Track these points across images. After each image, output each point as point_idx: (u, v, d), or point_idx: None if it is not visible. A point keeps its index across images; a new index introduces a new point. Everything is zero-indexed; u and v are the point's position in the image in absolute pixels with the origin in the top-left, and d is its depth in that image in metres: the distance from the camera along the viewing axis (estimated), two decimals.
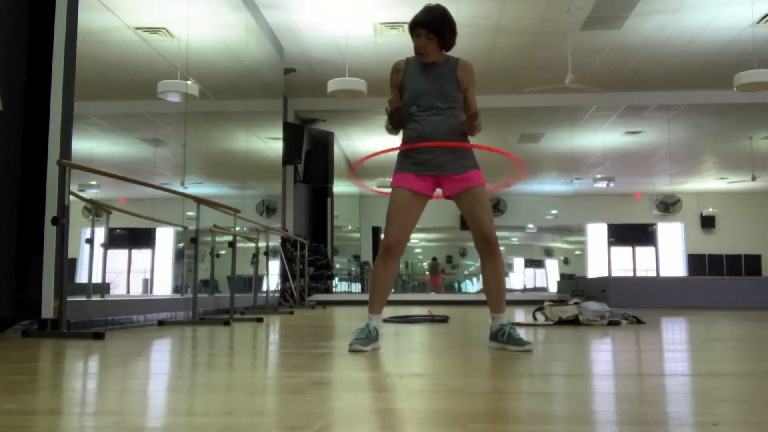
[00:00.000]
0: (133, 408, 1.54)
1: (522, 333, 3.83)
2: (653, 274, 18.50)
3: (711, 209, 18.66)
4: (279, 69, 9.76)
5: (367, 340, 2.81)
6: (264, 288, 8.54)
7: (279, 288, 9.61)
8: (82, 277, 4.75)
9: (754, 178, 15.74)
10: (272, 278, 9.15)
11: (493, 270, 2.92)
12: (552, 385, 1.91)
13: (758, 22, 8.67)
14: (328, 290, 12.11)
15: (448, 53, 3.03)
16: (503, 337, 2.82)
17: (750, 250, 18.61)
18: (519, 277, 20.05)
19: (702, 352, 2.85)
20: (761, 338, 3.61)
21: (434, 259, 19.07)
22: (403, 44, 10.51)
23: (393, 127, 2.97)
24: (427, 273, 19.64)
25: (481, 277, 2.99)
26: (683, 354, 2.79)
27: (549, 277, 19.53)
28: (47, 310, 3.82)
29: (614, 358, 2.61)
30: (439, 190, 2.98)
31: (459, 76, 2.96)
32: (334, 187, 13.63)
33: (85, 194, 4.70)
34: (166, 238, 6.63)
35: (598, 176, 15.89)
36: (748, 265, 18.45)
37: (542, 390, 1.80)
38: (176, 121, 6.42)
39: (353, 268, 18.94)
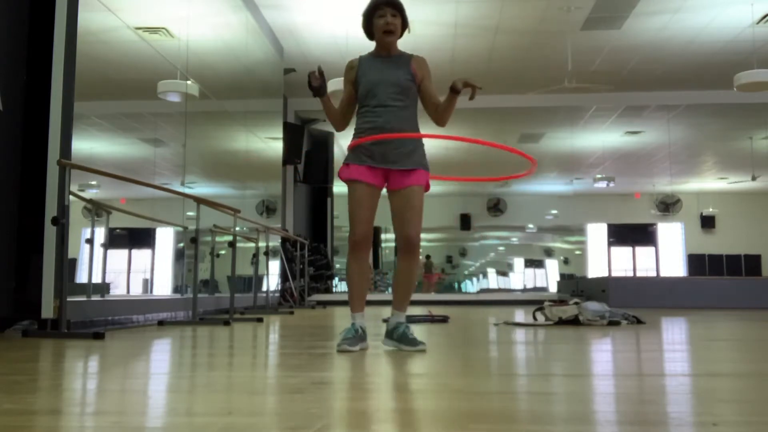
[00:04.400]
0: (133, 408, 1.54)
1: (521, 333, 3.83)
2: (653, 274, 18.50)
3: (711, 209, 18.66)
4: (279, 69, 9.76)
5: (354, 339, 2.80)
6: (264, 288, 8.54)
7: (279, 288, 9.61)
8: (82, 277, 4.75)
9: (754, 178, 15.74)
10: (272, 278, 9.15)
11: (408, 269, 2.94)
12: (552, 385, 1.91)
13: (758, 22, 8.68)
14: (328, 290, 12.11)
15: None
16: (396, 336, 2.85)
17: (750, 250, 18.61)
18: (519, 277, 20.06)
19: (702, 352, 2.85)
20: (761, 338, 3.61)
21: (428, 257, 19.07)
22: (403, 44, 10.51)
23: (317, 96, 2.93)
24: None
25: (393, 274, 2.98)
26: (683, 354, 2.79)
27: (549, 277, 19.53)
28: (47, 310, 3.82)
29: (614, 358, 2.61)
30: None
31: (413, 69, 2.95)
32: (334, 187, 13.63)
33: (85, 194, 4.70)
34: (166, 238, 6.63)
35: (598, 176, 15.89)
36: (748, 265, 18.45)
37: (542, 390, 1.80)
38: (176, 121, 6.42)
39: None
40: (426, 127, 2.98)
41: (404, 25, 2.96)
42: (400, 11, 2.92)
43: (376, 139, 2.83)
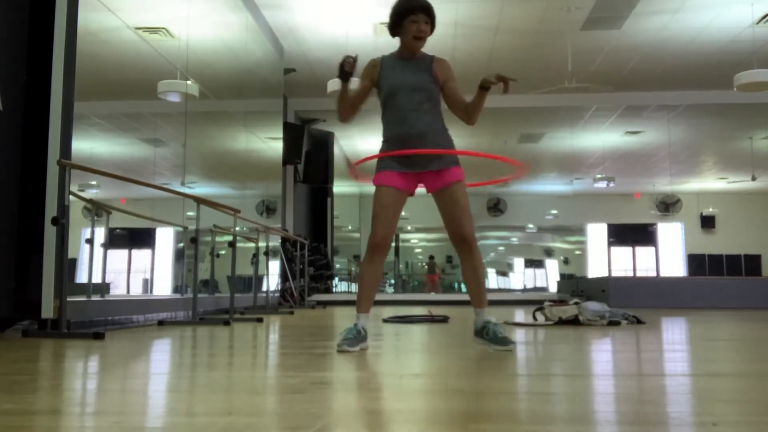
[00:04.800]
0: (133, 408, 1.54)
1: (521, 333, 3.83)
2: (653, 274, 18.50)
3: (711, 209, 18.66)
4: (279, 69, 9.76)
5: (355, 340, 2.79)
6: (264, 288, 8.54)
7: (279, 288, 9.61)
8: (82, 277, 4.75)
9: (754, 178, 15.74)
10: (272, 278, 9.15)
11: (473, 267, 2.92)
12: (552, 385, 1.91)
13: (758, 22, 8.67)
14: (328, 290, 12.11)
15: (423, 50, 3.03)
16: (487, 335, 2.83)
17: (750, 250, 18.61)
18: (519, 277, 20.06)
19: (702, 352, 2.85)
20: (761, 338, 3.61)
21: (431, 257, 19.05)
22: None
23: (342, 81, 2.93)
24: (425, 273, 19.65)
25: (462, 275, 2.98)
26: (683, 354, 2.79)
27: (549, 277, 19.53)
28: (47, 310, 3.82)
29: (614, 358, 2.61)
30: (421, 189, 2.98)
31: (434, 71, 2.95)
32: (334, 187, 13.63)
33: (85, 194, 4.70)
34: (166, 238, 6.63)
35: (598, 176, 15.89)
36: (748, 265, 18.44)
37: (542, 390, 1.80)
38: (176, 121, 6.42)
39: (353, 268, 18.93)
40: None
41: (434, 25, 2.97)
42: (432, 19, 2.93)
43: (405, 153, 2.84)
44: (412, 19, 2.90)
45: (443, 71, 2.97)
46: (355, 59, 2.89)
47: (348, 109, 3.04)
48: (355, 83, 2.99)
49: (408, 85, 2.91)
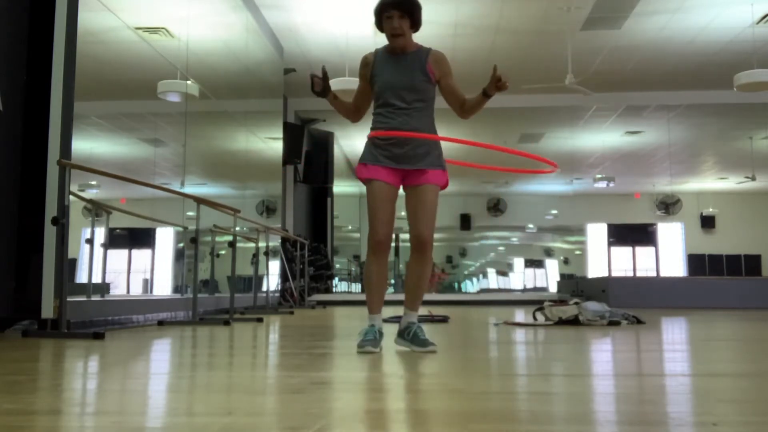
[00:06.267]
0: (133, 408, 1.54)
1: (521, 333, 3.84)
2: (653, 274, 18.50)
3: (711, 209, 18.66)
4: (279, 69, 9.76)
5: (376, 341, 2.78)
6: (264, 288, 8.54)
7: (279, 288, 9.61)
8: (82, 277, 4.75)
9: (754, 178, 15.74)
10: (272, 278, 9.15)
11: (420, 269, 2.91)
12: (552, 385, 1.91)
13: (758, 22, 8.67)
14: (328, 290, 12.11)
15: (420, 43, 2.98)
16: (409, 336, 2.83)
17: (750, 250, 18.61)
18: (519, 277, 20.06)
19: (702, 352, 2.85)
20: (761, 338, 3.61)
21: None
22: None
23: (321, 97, 2.94)
24: None
25: (405, 272, 2.97)
26: (683, 354, 2.79)
27: (549, 277, 19.53)
28: (47, 310, 3.82)
29: (614, 358, 2.61)
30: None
31: (429, 67, 2.89)
32: (334, 187, 13.63)
33: (85, 194, 4.70)
34: (166, 238, 6.63)
35: (598, 176, 15.89)
36: (748, 265, 18.44)
37: (542, 390, 1.80)
38: (176, 121, 6.42)
39: (353, 268, 18.93)
40: (444, 128, 2.97)
41: (414, 23, 2.90)
42: (407, 11, 2.85)
43: (393, 135, 2.80)
44: (386, 15, 2.86)
45: (439, 68, 2.91)
46: (324, 74, 2.89)
47: (354, 113, 3.02)
48: (338, 87, 2.98)
49: (400, 83, 2.86)
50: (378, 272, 2.91)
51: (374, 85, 2.93)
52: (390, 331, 4.17)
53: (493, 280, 20.00)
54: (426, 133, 2.86)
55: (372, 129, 2.92)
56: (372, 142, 2.92)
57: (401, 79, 2.87)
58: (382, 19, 2.89)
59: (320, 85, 2.88)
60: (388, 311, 7.34)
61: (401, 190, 2.95)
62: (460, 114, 2.98)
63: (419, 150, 2.85)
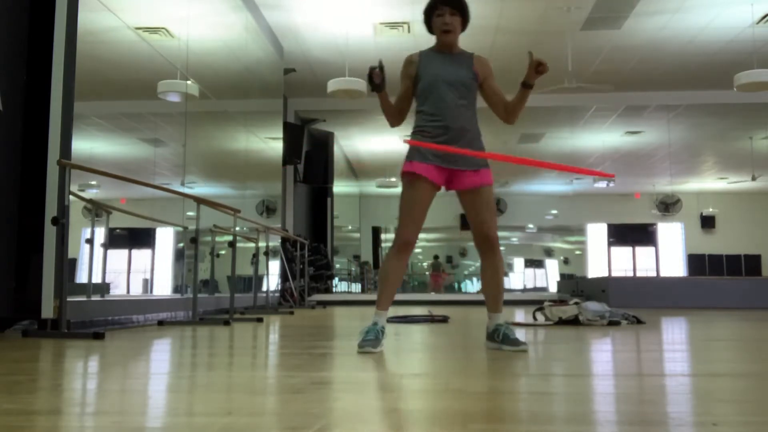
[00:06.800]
0: (133, 408, 1.54)
1: (521, 333, 3.83)
2: (653, 274, 18.50)
3: (711, 209, 18.66)
4: (279, 69, 9.77)
5: (376, 341, 2.76)
6: (264, 288, 8.54)
7: (279, 288, 9.61)
8: (82, 277, 4.75)
9: (754, 178, 15.74)
10: (272, 278, 9.15)
11: (494, 270, 2.91)
12: (552, 385, 1.91)
13: (758, 22, 8.68)
14: (328, 290, 12.11)
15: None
16: (499, 337, 2.82)
17: (750, 250, 18.62)
18: (519, 277, 20.06)
19: (702, 352, 2.85)
20: (761, 338, 3.61)
21: (436, 257, 19.04)
22: (403, 44, 10.54)
23: (376, 92, 2.90)
24: (427, 273, 19.64)
25: (480, 276, 2.98)
26: (683, 354, 2.79)
27: (549, 277, 19.53)
28: (47, 310, 3.82)
29: (614, 358, 2.61)
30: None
31: (475, 69, 2.92)
32: (334, 187, 13.63)
33: (85, 194, 4.70)
34: (166, 238, 6.63)
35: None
36: (748, 265, 18.45)
37: (542, 390, 1.80)
38: (176, 121, 6.42)
39: (353, 268, 18.94)
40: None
41: (465, 21, 2.93)
42: (459, 9, 2.88)
43: (440, 149, 2.78)
44: (437, 13, 2.89)
45: (483, 69, 2.94)
46: (381, 68, 2.85)
47: (396, 116, 2.99)
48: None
49: (449, 77, 2.86)
50: (397, 269, 2.88)
51: (420, 82, 2.91)
52: (390, 331, 4.17)
53: None
54: (473, 131, 2.87)
55: (416, 127, 2.90)
56: (419, 139, 2.88)
57: (449, 75, 2.87)
58: (432, 17, 2.92)
59: (380, 77, 2.84)
60: (389, 311, 7.31)
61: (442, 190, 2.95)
62: (505, 116, 2.97)
63: (469, 146, 2.85)
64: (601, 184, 15.94)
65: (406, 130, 3.09)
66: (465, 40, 2.95)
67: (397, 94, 2.98)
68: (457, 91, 2.86)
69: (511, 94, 2.91)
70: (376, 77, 2.84)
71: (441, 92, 2.86)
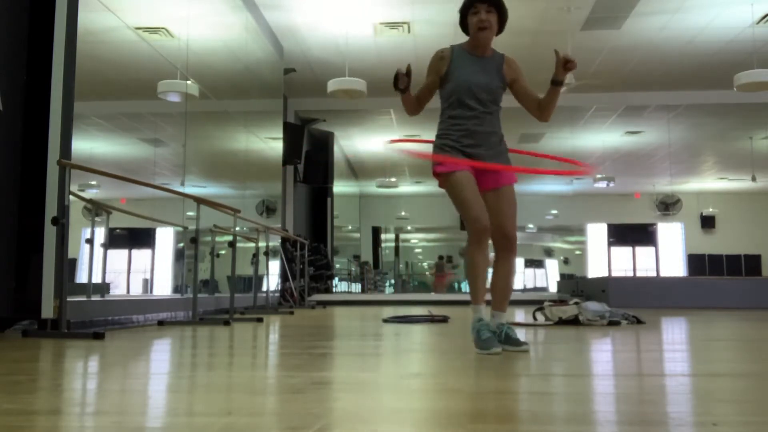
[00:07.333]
0: (133, 408, 1.54)
1: (521, 333, 3.83)
2: (653, 274, 18.50)
3: (711, 209, 18.66)
4: (279, 69, 9.76)
5: (494, 338, 2.71)
6: (264, 288, 8.54)
7: (279, 288, 9.61)
8: (82, 277, 4.75)
9: (754, 179, 15.74)
10: (272, 278, 9.15)
11: (508, 269, 2.91)
12: (552, 385, 1.91)
13: (758, 22, 8.67)
14: (328, 290, 12.11)
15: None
16: (501, 337, 2.82)
17: (750, 250, 18.61)
18: (519, 277, 20.05)
19: (702, 352, 2.85)
20: (761, 338, 3.61)
21: (440, 257, 19.03)
22: (403, 44, 10.56)
23: (400, 93, 2.87)
24: (428, 273, 19.64)
25: (492, 273, 2.95)
26: (683, 354, 2.79)
27: (549, 277, 19.53)
28: (47, 310, 3.82)
29: (614, 358, 2.61)
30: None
31: (504, 72, 2.92)
32: (334, 187, 13.63)
33: (85, 194, 4.70)
34: (166, 238, 6.63)
35: (598, 176, 15.90)
36: (748, 265, 18.45)
37: (542, 390, 1.80)
38: (176, 121, 6.42)
39: (353, 268, 18.93)
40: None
41: (502, 20, 2.91)
42: (495, 5, 2.86)
43: (474, 165, 2.79)
44: (473, 11, 2.88)
45: (513, 71, 2.94)
46: (408, 73, 2.84)
47: (416, 107, 2.97)
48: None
49: (482, 84, 2.86)
50: (484, 260, 2.84)
51: (449, 82, 2.90)
52: (389, 331, 4.17)
53: None
54: (497, 135, 2.88)
55: (442, 132, 2.90)
56: (443, 143, 2.88)
57: (481, 80, 2.87)
58: (467, 16, 2.90)
59: (405, 83, 2.83)
60: (388, 311, 7.33)
61: None
62: (538, 115, 2.96)
63: (492, 151, 2.87)
64: (601, 184, 15.94)
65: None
66: (464, 40, 2.93)
67: (422, 85, 2.96)
68: (486, 99, 2.87)
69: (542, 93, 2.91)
70: (401, 83, 2.82)
71: (470, 100, 2.85)
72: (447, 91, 2.91)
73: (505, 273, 2.91)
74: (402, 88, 2.84)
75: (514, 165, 2.97)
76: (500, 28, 2.93)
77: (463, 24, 2.96)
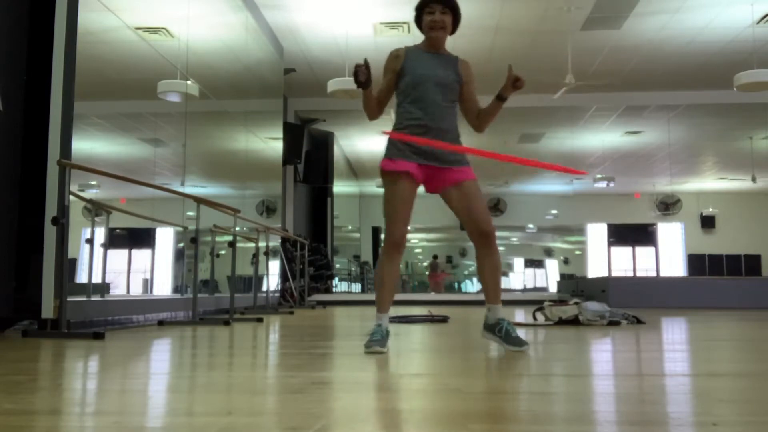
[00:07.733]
0: (133, 408, 1.54)
1: (521, 333, 3.83)
2: (653, 274, 18.50)
3: (711, 209, 18.66)
4: (279, 69, 9.76)
5: (383, 340, 2.77)
6: (264, 288, 8.54)
7: (279, 288, 9.61)
8: (82, 277, 4.75)
9: (754, 179, 15.74)
10: (272, 278, 9.15)
11: (492, 262, 2.89)
12: (552, 385, 1.91)
13: (758, 22, 8.68)
14: (328, 290, 12.11)
15: (461, 46, 3.01)
16: (500, 333, 2.81)
17: (750, 250, 18.62)
18: (519, 277, 20.06)
19: (702, 352, 2.85)
20: (761, 338, 3.61)
21: (435, 257, 19.04)
22: (403, 44, 10.50)
23: (362, 88, 2.86)
24: (427, 273, 19.65)
25: (477, 272, 2.96)
26: (683, 354, 2.79)
27: (549, 277, 19.54)
28: (47, 310, 3.82)
29: (614, 358, 2.61)
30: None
31: (459, 71, 2.93)
32: (334, 187, 13.63)
33: (85, 194, 4.69)
34: (166, 238, 6.62)
35: (598, 176, 15.91)
36: (748, 265, 18.45)
37: (542, 390, 1.80)
38: (176, 121, 6.42)
39: (353, 268, 18.93)
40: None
41: (456, 22, 2.93)
42: (450, 8, 2.88)
43: (420, 142, 2.77)
44: (428, 10, 2.89)
45: (468, 73, 2.96)
46: (367, 66, 2.82)
47: (375, 109, 2.97)
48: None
49: (436, 77, 2.86)
50: (391, 272, 2.88)
51: (404, 78, 2.90)
52: (390, 331, 4.17)
53: None
54: (453, 132, 2.87)
55: (397, 124, 2.89)
56: (395, 144, 2.87)
57: (437, 74, 2.87)
58: (422, 14, 2.91)
59: (365, 75, 2.81)
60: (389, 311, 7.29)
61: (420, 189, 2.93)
62: (476, 124, 2.98)
63: (448, 142, 2.84)
64: (601, 184, 15.95)
65: (383, 124, 3.08)
66: (465, 41, 2.95)
67: (379, 87, 2.97)
68: (443, 92, 2.87)
69: (513, 95, 2.92)
70: (361, 75, 2.81)
71: (427, 92, 2.85)
72: (403, 85, 2.90)
73: (491, 269, 2.90)
74: (363, 80, 2.82)
75: (514, 167, 2.96)
76: (453, 29, 2.95)
77: (418, 21, 2.96)
